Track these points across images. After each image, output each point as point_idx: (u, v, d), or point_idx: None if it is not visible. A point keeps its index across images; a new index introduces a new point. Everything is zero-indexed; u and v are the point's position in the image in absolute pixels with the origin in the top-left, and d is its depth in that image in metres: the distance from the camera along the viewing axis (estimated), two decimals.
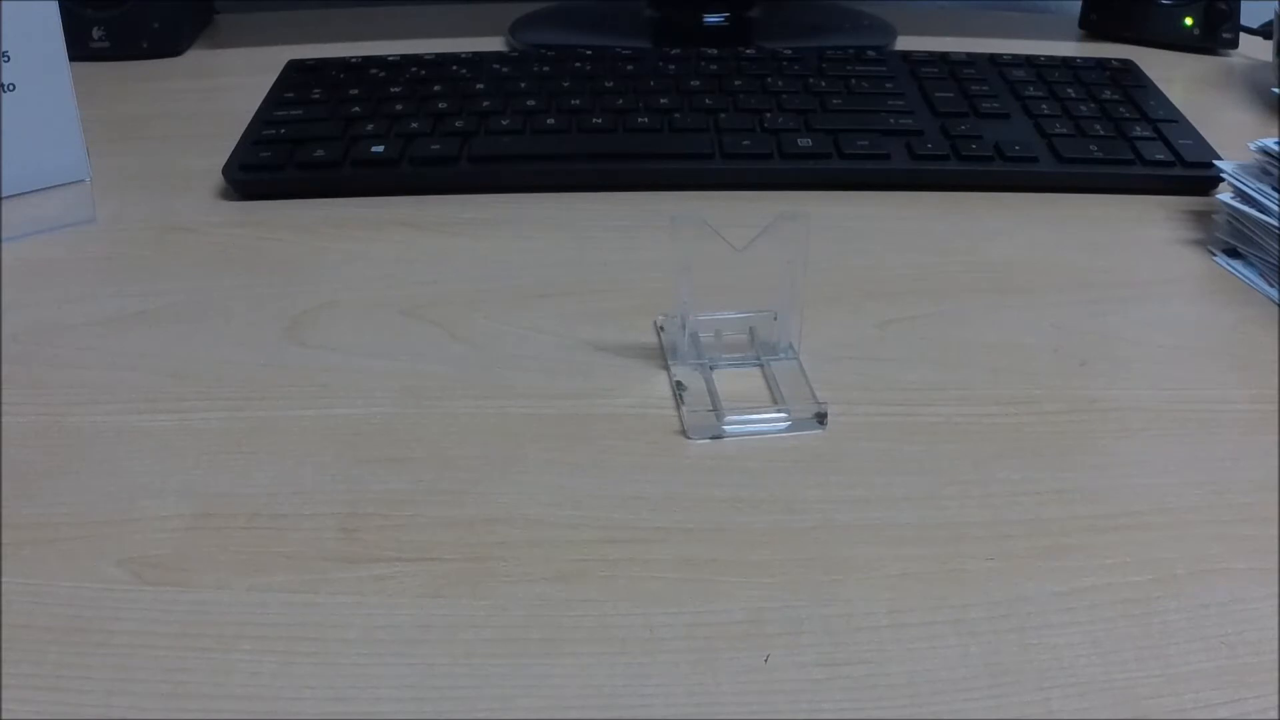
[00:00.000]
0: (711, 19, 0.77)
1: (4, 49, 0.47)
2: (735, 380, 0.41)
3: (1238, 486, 0.36)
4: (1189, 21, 0.75)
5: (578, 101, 0.59)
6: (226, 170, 0.54)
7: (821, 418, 0.38)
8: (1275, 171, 0.49)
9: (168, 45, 0.73)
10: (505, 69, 0.63)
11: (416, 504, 0.35)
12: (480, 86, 0.61)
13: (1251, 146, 0.50)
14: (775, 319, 0.42)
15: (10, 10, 0.47)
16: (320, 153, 0.55)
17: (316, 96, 0.60)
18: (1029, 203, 0.54)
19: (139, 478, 0.35)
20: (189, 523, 0.34)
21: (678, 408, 0.39)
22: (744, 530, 0.34)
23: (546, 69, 0.63)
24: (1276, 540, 0.34)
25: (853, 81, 0.62)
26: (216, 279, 0.47)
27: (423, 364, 0.42)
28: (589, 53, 0.65)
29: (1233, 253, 0.50)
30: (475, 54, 0.66)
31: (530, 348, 0.43)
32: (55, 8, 0.48)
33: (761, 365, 0.42)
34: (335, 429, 0.38)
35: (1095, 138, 0.57)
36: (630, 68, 0.63)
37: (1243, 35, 0.75)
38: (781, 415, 0.39)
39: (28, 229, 0.49)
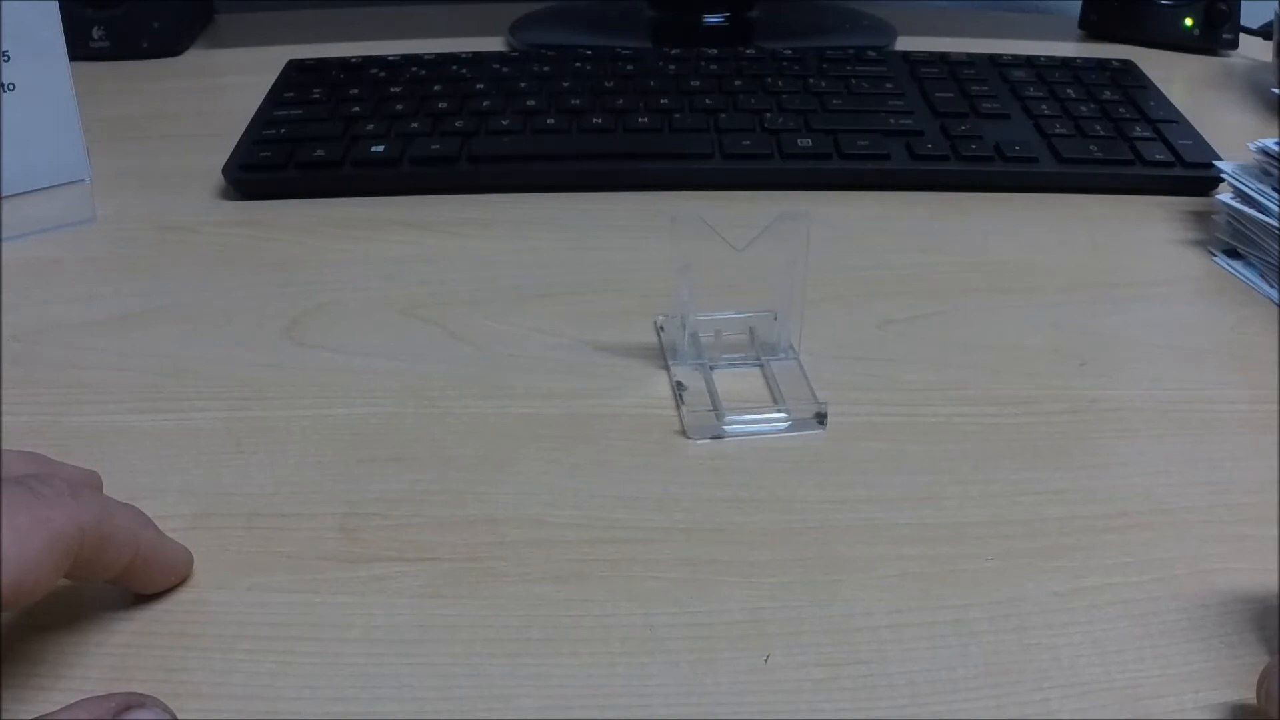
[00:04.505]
0: (711, 19, 0.77)
1: (4, 49, 0.47)
2: (735, 380, 0.41)
3: (1238, 486, 0.36)
4: (1189, 22, 0.75)
5: (578, 101, 0.59)
6: (226, 170, 0.54)
7: (821, 418, 0.38)
8: (1275, 172, 0.49)
9: (168, 45, 0.73)
10: (505, 69, 0.63)
11: (416, 504, 0.35)
12: (480, 86, 0.61)
13: (1251, 147, 0.50)
14: (775, 319, 0.42)
15: (10, 10, 0.47)
16: (320, 153, 0.55)
17: (316, 96, 0.60)
18: (1029, 203, 0.54)
19: (138, 477, 0.35)
20: (189, 523, 0.34)
21: (678, 408, 0.39)
22: (744, 530, 0.34)
23: (546, 69, 0.63)
24: (1276, 540, 0.34)
25: (853, 81, 0.62)
26: (216, 279, 0.47)
27: (423, 364, 0.42)
28: (589, 53, 0.65)
29: (1233, 253, 0.50)
30: (475, 54, 0.66)
31: (530, 348, 0.43)
32: (55, 8, 0.48)
33: (761, 365, 0.42)
34: (335, 429, 0.38)
35: (1095, 138, 0.57)
36: (630, 68, 0.63)
37: (1243, 35, 0.75)
38: (781, 415, 0.39)
39: (28, 229, 0.49)
